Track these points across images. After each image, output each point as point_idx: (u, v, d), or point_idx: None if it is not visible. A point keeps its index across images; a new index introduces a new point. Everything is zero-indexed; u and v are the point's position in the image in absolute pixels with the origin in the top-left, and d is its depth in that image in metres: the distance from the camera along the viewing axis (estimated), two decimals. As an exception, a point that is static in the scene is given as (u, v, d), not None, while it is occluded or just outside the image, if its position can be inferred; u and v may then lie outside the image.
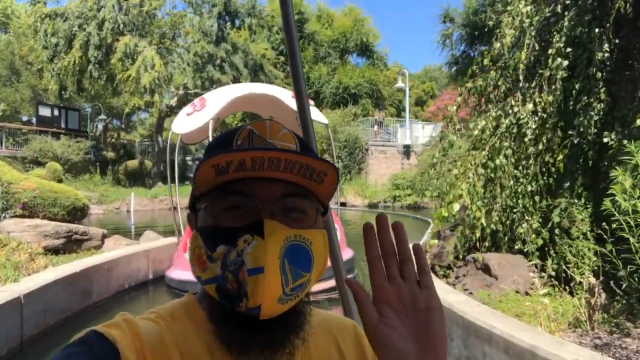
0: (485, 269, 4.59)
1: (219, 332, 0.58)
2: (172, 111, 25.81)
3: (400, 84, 24.17)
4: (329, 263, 0.66)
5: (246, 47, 22.74)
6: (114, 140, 29.27)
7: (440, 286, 4.43)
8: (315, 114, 7.67)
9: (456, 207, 4.69)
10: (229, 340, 0.57)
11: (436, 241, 5.37)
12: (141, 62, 20.04)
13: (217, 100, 6.63)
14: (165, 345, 0.57)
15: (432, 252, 5.15)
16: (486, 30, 24.74)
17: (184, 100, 25.48)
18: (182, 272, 6.35)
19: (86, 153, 22.74)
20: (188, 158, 29.31)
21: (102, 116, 27.90)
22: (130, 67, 20.41)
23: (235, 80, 22.34)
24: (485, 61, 5.48)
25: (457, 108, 5.42)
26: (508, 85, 5.23)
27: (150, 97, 21.15)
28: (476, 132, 5.07)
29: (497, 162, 4.68)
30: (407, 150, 23.18)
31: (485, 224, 4.56)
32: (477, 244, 4.77)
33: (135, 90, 21.42)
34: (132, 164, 26.03)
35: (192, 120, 6.44)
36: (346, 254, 7.17)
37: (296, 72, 1.04)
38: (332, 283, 4.95)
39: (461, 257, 4.86)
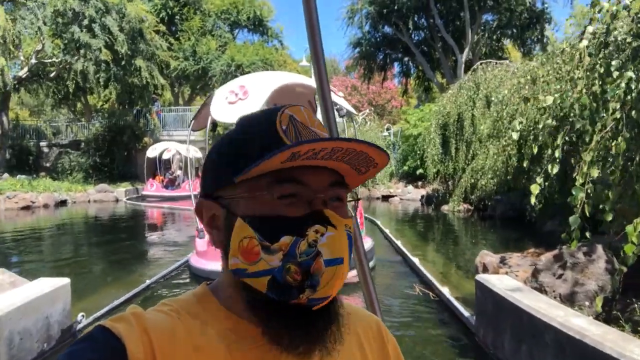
0: None
1: (265, 326, 0.57)
2: (22, 84, 21.74)
3: (305, 62, 23.10)
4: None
5: (122, 7, 19.77)
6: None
7: None
8: (343, 102, 7.72)
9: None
10: (278, 333, 0.56)
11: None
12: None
13: (259, 88, 6.56)
14: (177, 339, 0.57)
15: None
16: (395, 8, 24.88)
17: (38, 72, 21.63)
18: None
19: None
20: (43, 144, 25.30)
21: None
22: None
23: (109, 46, 19.36)
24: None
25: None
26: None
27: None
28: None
29: None
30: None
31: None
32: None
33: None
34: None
35: (238, 110, 6.23)
36: (366, 243, 7.04)
37: (317, 59, 1.05)
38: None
39: None
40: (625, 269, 3.69)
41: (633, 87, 4.05)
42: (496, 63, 16.83)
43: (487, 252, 5.42)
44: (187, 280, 7.06)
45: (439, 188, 17.76)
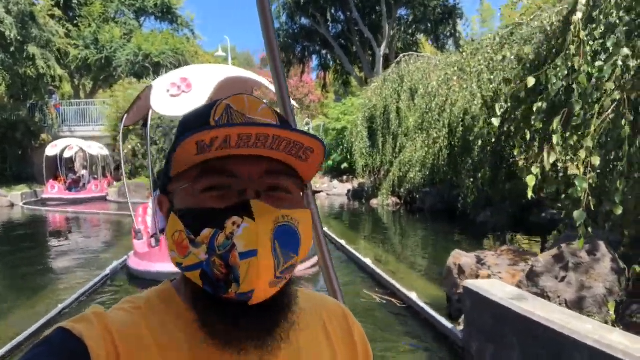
0: None
1: (203, 321, 0.56)
2: None
3: (221, 52, 21.79)
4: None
5: (9, -14, 17.23)
6: None
7: None
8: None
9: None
10: (215, 329, 0.55)
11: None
12: None
13: (203, 81, 6.32)
14: (140, 337, 0.56)
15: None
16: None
17: None
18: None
19: None
20: None
21: None
22: None
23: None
24: None
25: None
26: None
27: None
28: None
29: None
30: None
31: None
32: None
33: None
34: None
35: (182, 103, 6.02)
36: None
37: (272, 48, 1.05)
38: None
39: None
40: (638, 269, 3.28)
41: (631, 65, 3.66)
42: (417, 56, 16.84)
43: (461, 252, 4.90)
44: (117, 285, 6.13)
45: (366, 182, 17.48)
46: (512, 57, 9.46)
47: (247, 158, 0.56)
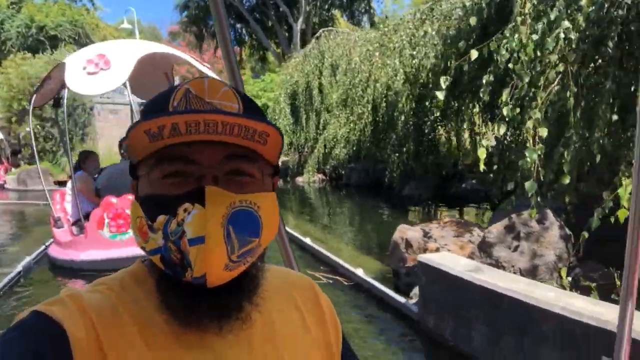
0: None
1: (165, 302, 0.57)
2: None
3: (126, 24, 20.21)
4: None
5: None
6: None
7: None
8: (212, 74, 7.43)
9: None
10: (175, 310, 0.56)
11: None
12: None
13: (122, 58, 5.85)
14: (118, 316, 0.56)
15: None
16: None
17: None
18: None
19: None
20: None
21: None
22: None
23: None
24: None
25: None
26: None
27: None
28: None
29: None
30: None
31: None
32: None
33: None
34: None
35: (101, 81, 5.65)
36: None
37: (219, 14, 1.01)
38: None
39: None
40: (587, 235, 3.41)
41: (572, 37, 3.75)
42: (337, 31, 16.75)
43: (407, 226, 4.89)
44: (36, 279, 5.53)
45: (290, 160, 17.29)
46: (434, 33, 9.64)
47: (206, 143, 0.55)
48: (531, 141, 3.59)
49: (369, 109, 12.22)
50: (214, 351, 0.58)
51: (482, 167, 3.68)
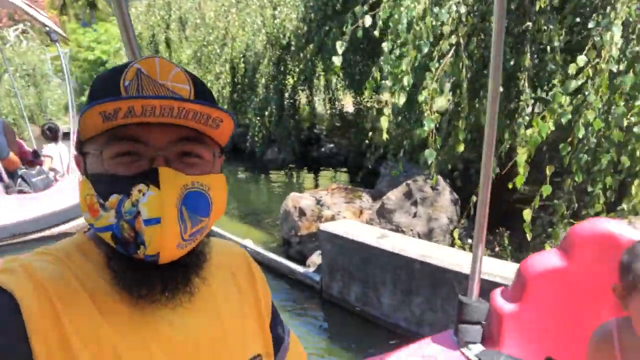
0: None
1: (118, 277, 0.58)
2: None
3: None
4: None
5: None
6: None
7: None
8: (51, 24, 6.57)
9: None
10: (128, 284, 0.57)
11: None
12: None
13: None
14: (71, 286, 0.56)
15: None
16: None
17: None
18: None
19: None
20: None
21: None
22: None
23: None
24: None
25: None
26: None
27: None
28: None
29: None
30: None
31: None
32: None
33: None
34: None
35: None
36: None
37: None
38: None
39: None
40: (475, 198, 3.72)
41: (462, 11, 3.95)
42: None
43: (297, 194, 4.80)
44: None
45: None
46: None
47: (158, 125, 0.56)
48: (426, 110, 3.73)
49: (227, 68, 11.67)
50: (166, 321, 0.60)
51: (384, 135, 3.74)
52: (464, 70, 3.80)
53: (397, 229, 3.79)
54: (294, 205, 4.70)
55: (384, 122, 3.78)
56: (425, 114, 3.76)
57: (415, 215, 3.81)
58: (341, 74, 10.27)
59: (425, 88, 3.82)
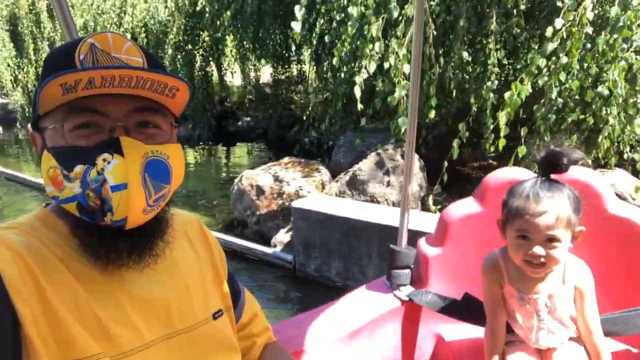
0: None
1: (86, 245, 0.61)
2: None
3: None
4: None
5: None
6: None
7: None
8: None
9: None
10: (97, 251, 0.60)
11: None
12: None
13: None
14: (44, 254, 0.59)
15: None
16: None
17: None
18: None
19: None
20: None
21: None
22: None
23: None
24: None
25: None
26: None
27: None
28: None
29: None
30: None
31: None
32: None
33: None
34: None
35: None
36: None
37: None
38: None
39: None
40: (446, 164, 3.76)
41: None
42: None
43: (251, 171, 4.50)
44: None
45: (15, 101, 13.99)
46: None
47: (116, 96, 0.58)
48: (399, 79, 3.65)
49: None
50: (135, 283, 0.64)
51: (359, 106, 3.60)
52: (430, 35, 3.76)
53: (372, 200, 3.71)
54: (250, 184, 4.42)
55: (357, 92, 3.65)
56: (397, 80, 3.69)
57: (388, 185, 3.75)
58: (257, 44, 9.83)
59: (394, 53, 3.73)
